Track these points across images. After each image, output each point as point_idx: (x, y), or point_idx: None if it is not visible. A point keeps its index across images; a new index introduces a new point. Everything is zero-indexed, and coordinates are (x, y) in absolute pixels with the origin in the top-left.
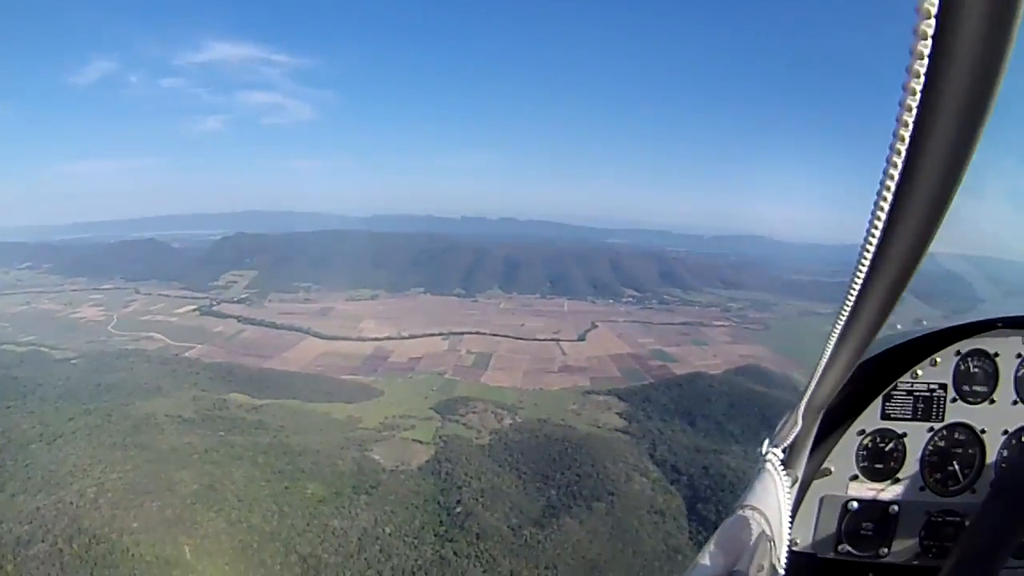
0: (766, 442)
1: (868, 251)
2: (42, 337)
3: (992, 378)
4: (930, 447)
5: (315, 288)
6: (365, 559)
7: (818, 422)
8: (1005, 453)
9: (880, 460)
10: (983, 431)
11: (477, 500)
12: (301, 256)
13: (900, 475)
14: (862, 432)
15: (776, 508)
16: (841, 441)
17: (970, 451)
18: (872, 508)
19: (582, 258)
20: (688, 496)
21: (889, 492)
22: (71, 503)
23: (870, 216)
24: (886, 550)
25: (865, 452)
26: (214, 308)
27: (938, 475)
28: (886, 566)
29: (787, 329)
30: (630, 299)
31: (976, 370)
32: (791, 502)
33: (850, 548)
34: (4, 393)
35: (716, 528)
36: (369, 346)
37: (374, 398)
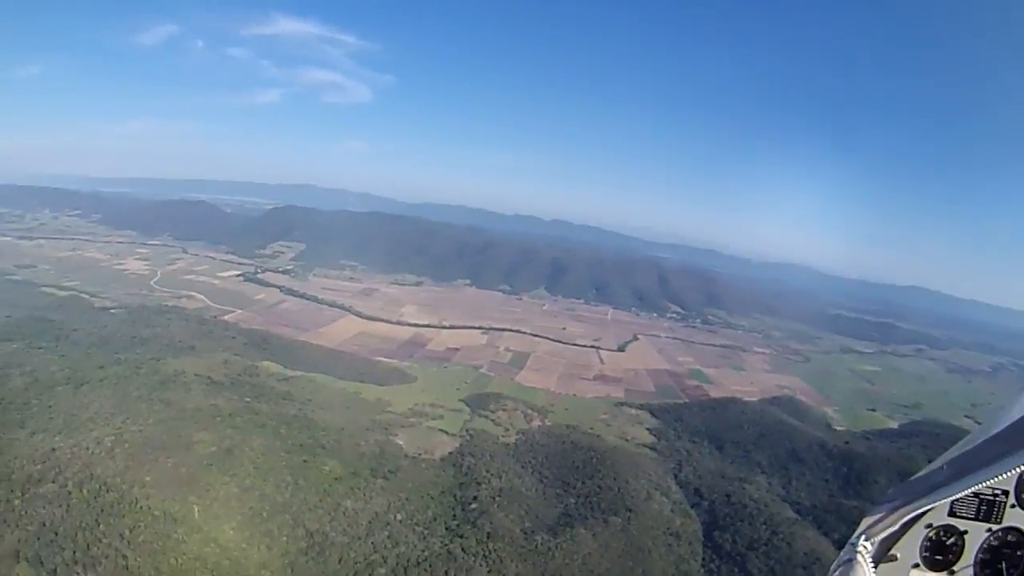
0: (862, 536)
1: None
2: (84, 284)
3: None
4: (985, 545)
5: (360, 268)
6: (372, 543)
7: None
8: None
9: (941, 552)
10: None
11: (494, 499)
12: (350, 235)
13: (956, 567)
14: (929, 526)
15: None
16: (910, 532)
17: (1018, 553)
18: None
19: (630, 268)
20: (706, 522)
21: None
22: (87, 448)
23: None
24: None
25: (929, 543)
26: (258, 275)
27: (988, 572)
28: None
29: (826, 364)
30: (674, 315)
31: None
32: None
33: None
34: (38, 334)
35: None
36: (408, 331)
37: (406, 383)
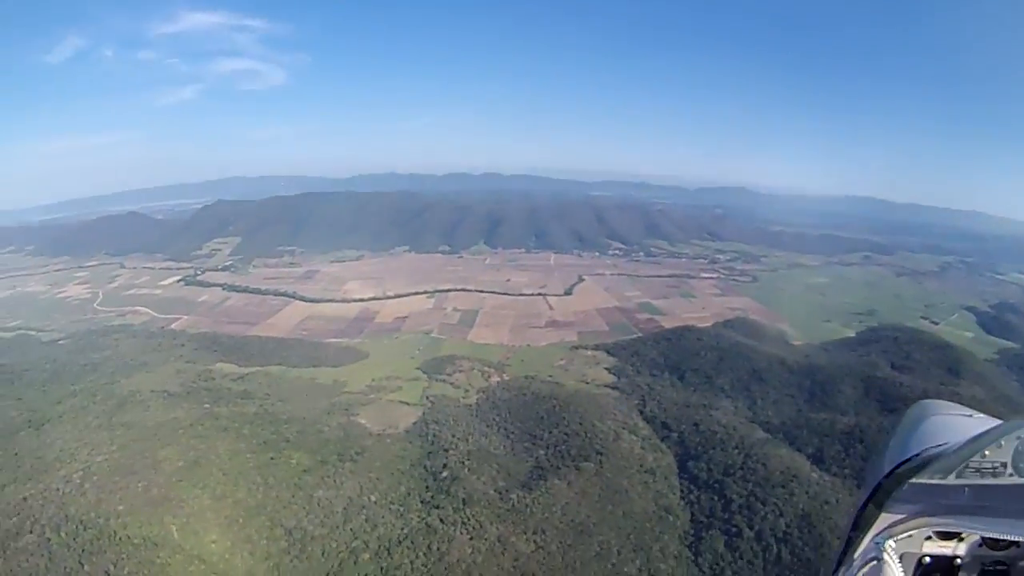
0: (887, 537)
1: None
2: (28, 320)
3: None
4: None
5: (299, 251)
6: (351, 529)
7: None
8: None
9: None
10: None
11: (463, 463)
12: (284, 220)
13: (964, 536)
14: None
15: None
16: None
17: None
18: (939, 561)
19: (566, 211)
20: (679, 454)
21: (955, 549)
22: (57, 489)
23: None
24: None
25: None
26: (198, 277)
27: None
28: None
29: (775, 281)
30: (616, 251)
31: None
32: None
33: None
34: None
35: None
36: (354, 308)
37: (360, 360)
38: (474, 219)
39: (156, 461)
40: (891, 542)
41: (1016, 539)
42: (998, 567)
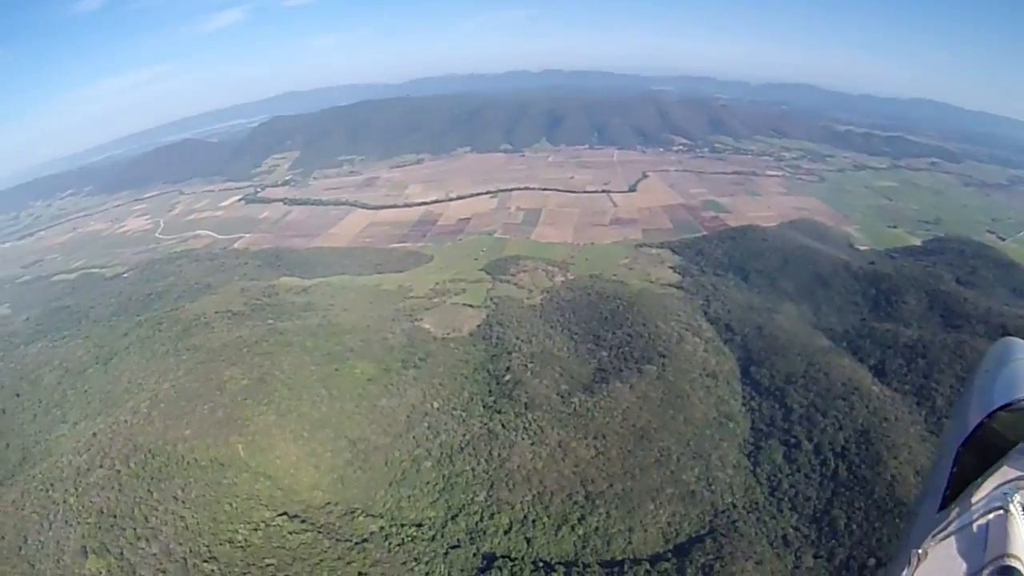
0: (1016, 488)
1: None
2: (91, 259)
3: None
4: None
5: (358, 160)
6: (413, 437)
7: None
8: None
9: None
10: None
11: (526, 366)
12: (341, 129)
13: None
14: None
15: None
16: None
17: None
18: None
19: (628, 106)
20: (741, 358)
21: None
22: (125, 421)
23: None
24: None
25: None
26: (259, 195)
27: None
28: None
29: (841, 182)
30: (680, 147)
31: None
32: None
33: None
34: (59, 325)
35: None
36: (416, 212)
37: (423, 264)
38: (535, 117)
39: (221, 382)
40: (1019, 495)
41: None
42: None
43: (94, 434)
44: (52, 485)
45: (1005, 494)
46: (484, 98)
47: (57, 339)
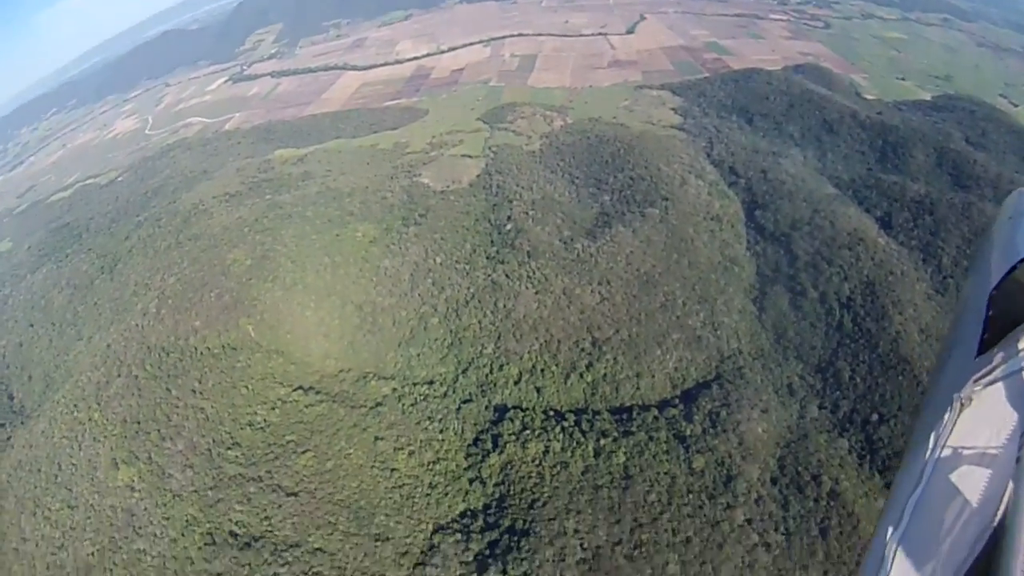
0: None
1: None
2: (85, 171)
3: None
4: None
5: (345, 23)
6: (419, 295)
7: None
8: None
9: None
10: None
11: (527, 214)
12: None
13: None
14: None
15: None
16: None
17: None
18: None
19: None
20: (746, 201)
21: None
22: (136, 325)
23: None
24: None
25: None
26: (245, 72)
27: None
28: None
29: (848, 29)
30: None
31: None
32: None
33: None
34: (61, 245)
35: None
36: (408, 68)
37: (419, 120)
38: None
39: (225, 267)
40: None
41: None
42: None
43: (108, 345)
44: (76, 406)
45: None
46: None
47: (61, 259)
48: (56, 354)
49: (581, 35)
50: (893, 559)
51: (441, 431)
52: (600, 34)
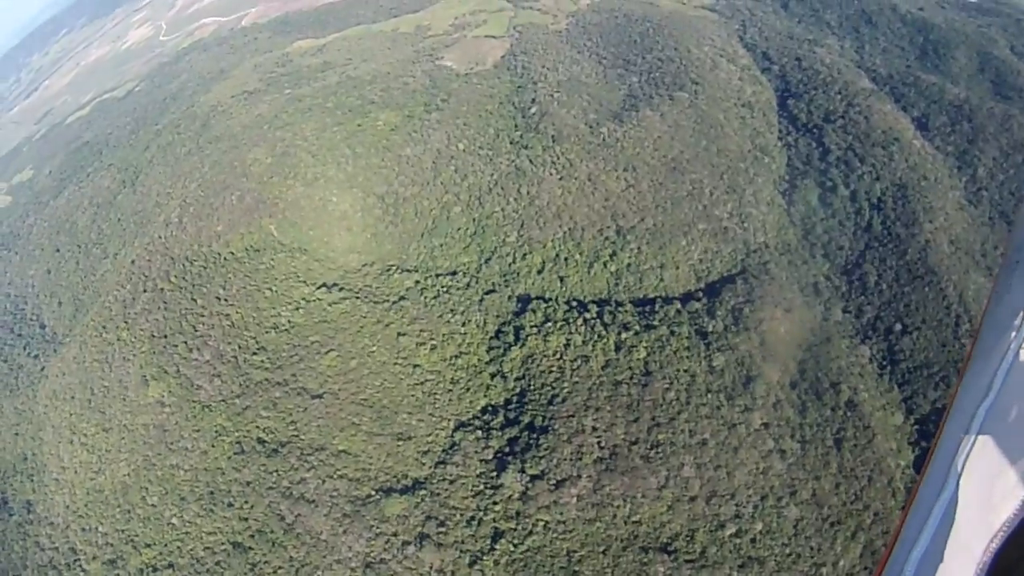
0: None
1: None
2: (101, 87)
3: None
4: None
5: None
6: (441, 183)
7: None
8: None
9: None
10: None
11: (552, 96)
12: None
13: None
14: None
15: None
16: None
17: None
18: None
19: None
20: (779, 89)
21: None
22: (159, 237)
23: None
24: None
25: None
26: None
27: None
28: None
29: None
30: None
31: None
32: None
33: None
34: (82, 164)
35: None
36: None
37: (441, 0)
38: None
39: (245, 167)
40: None
41: None
42: None
43: (132, 261)
44: (104, 327)
45: None
46: None
47: (83, 179)
48: (83, 276)
49: None
50: (964, 462)
51: (463, 324)
52: None
